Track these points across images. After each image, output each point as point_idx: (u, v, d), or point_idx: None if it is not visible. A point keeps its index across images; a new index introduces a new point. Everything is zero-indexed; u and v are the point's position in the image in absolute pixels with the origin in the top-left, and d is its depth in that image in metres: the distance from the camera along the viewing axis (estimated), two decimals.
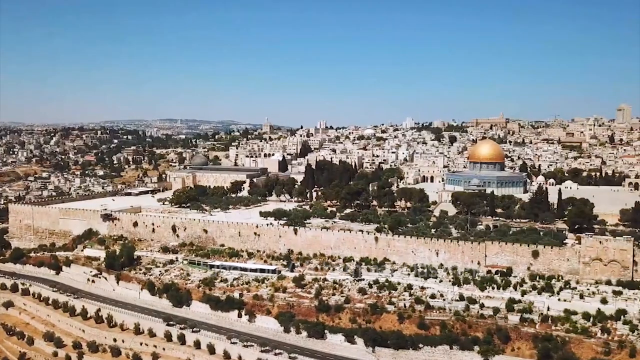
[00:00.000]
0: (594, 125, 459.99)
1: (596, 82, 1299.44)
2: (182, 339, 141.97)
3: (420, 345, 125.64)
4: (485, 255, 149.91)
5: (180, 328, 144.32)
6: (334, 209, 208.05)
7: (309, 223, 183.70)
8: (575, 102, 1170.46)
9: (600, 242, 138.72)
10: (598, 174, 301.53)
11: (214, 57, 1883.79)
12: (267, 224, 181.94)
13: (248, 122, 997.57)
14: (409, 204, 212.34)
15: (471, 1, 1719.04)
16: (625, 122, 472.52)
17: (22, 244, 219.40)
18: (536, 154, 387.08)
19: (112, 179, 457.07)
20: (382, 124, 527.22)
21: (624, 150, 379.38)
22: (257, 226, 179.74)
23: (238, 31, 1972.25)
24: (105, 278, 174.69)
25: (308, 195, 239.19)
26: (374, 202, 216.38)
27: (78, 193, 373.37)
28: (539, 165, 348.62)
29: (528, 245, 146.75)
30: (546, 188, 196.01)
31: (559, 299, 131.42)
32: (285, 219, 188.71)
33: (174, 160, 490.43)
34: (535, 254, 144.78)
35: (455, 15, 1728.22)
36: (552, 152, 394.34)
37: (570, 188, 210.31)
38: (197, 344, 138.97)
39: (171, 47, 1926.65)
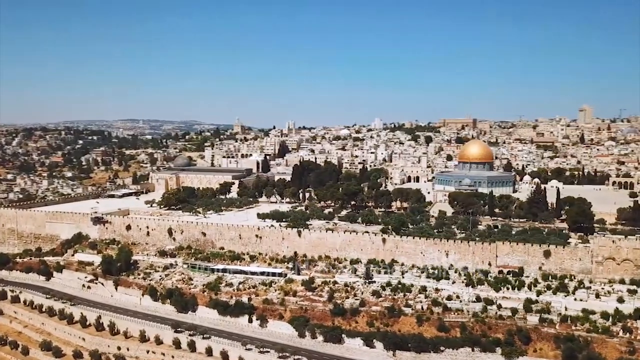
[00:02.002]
0: (564, 125, 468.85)
1: (557, 84, 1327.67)
2: (192, 346, 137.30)
3: (442, 348, 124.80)
4: (496, 256, 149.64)
5: (190, 334, 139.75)
6: (331, 210, 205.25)
7: (310, 225, 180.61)
8: (538, 103, 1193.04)
9: (613, 241, 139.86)
10: (579, 173, 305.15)
11: (174, 57, 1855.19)
12: (269, 226, 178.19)
13: (211, 122, 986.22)
14: (405, 205, 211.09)
15: (434, 4, 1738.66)
16: (587, 122, 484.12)
17: (5, 249, 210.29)
18: (512, 154, 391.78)
19: (81, 180, 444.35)
20: (355, 125, 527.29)
21: (597, 149, 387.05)
22: (258, 228, 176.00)
23: (200, 31, 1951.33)
24: (102, 284, 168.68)
25: (301, 196, 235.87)
26: (370, 203, 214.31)
27: (46, 195, 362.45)
28: (517, 165, 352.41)
29: (539, 245, 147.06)
30: (544, 188, 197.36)
31: (575, 299, 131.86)
32: (284, 220, 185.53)
33: (145, 161, 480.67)
34: (547, 254, 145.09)
35: (418, 18, 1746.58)
36: (527, 151, 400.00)
37: (557, 187, 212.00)
38: (209, 351, 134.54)
39: (131, 47, 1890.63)
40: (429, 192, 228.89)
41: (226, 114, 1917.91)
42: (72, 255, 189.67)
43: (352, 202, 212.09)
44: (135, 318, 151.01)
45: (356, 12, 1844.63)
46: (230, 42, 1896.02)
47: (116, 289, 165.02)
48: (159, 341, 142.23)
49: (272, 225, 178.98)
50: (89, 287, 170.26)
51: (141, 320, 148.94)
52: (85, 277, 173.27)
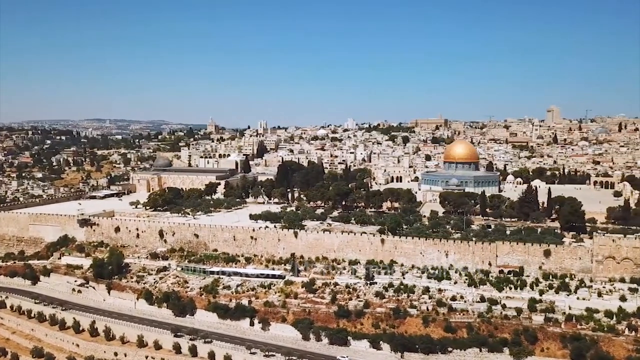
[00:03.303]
0: (537, 125, 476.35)
1: (524, 85, 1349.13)
2: (193, 351, 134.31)
3: (450, 349, 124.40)
4: (496, 256, 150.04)
5: (190, 339, 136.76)
6: (322, 210, 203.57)
7: (304, 225, 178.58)
8: (506, 104, 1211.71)
9: (613, 240, 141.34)
10: (560, 173, 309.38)
11: (140, 58, 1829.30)
12: (264, 227, 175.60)
13: (180, 122, 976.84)
14: (395, 205, 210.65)
15: (401, 7, 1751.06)
16: (556, 122, 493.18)
17: None
18: (489, 154, 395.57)
19: (52, 181, 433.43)
20: (330, 125, 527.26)
21: (572, 150, 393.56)
22: (253, 230, 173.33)
23: (168, 31, 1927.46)
24: (94, 288, 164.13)
25: (290, 196, 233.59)
26: (361, 203, 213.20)
27: (16, 197, 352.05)
28: (495, 165, 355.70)
29: (539, 245, 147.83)
30: (535, 187, 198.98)
31: (577, 298, 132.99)
32: (277, 221, 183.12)
33: (118, 162, 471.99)
34: (547, 253, 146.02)
35: (387, 20, 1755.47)
36: (503, 151, 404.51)
37: (548, 187, 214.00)
38: (212, 356, 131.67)
39: (96, 46, 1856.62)
40: (416, 192, 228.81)
41: (194, 114, 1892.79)
42: (59, 258, 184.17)
43: (343, 203, 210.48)
44: (131, 322, 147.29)
45: (324, 15, 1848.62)
46: (198, 42, 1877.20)
47: (109, 293, 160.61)
48: (158, 346, 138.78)
49: (267, 227, 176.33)
50: (79, 292, 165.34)
51: (138, 325, 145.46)
52: (75, 281, 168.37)
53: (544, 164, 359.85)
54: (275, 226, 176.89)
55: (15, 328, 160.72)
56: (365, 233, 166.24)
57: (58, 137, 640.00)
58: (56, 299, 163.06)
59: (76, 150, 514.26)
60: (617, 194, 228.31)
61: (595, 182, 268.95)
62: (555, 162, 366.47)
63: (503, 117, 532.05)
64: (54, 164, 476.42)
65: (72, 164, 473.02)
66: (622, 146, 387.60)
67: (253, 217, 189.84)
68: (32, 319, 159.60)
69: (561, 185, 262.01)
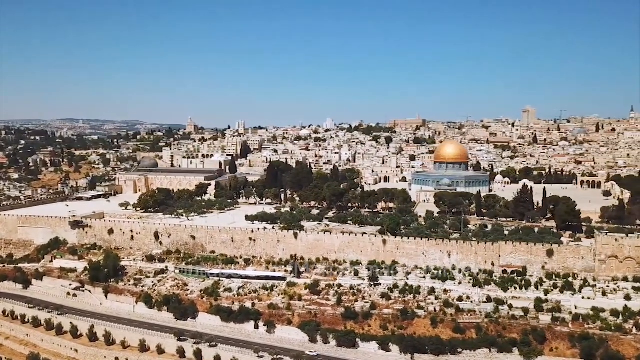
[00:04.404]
0: (519, 126, 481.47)
1: (500, 85, 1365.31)
2: (198, 355, 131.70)
3: (459, 350, 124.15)
4: (499, 255, 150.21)
5: (195, 343, 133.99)
6: (318, 211, 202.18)
7: (304, 226, 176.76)
8: (483, 104, 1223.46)
9: (616, 239, 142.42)
10: (546, 173, 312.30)
11: (112, 57, 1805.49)
12: (262, 228, 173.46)
13: (154, 122, 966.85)
14: (390, 205, 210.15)
15: (376, 8, 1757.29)
16: (534, 123, 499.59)
17: None
18: (472, 154, 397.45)
19: (29, 182, 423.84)
20: (311, 125, 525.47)
21: (554, 150, 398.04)
22: (252, 231, 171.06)
23: (140, 30, 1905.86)
24: (90, 291, 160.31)
25: (283, 197, 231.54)
26: (356, 204, 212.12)
27: None
28: (484, 166, 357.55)
29: (542, 245, 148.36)
30: (531, 188, 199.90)
31: (582, 297, 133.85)
32: (272, 222, 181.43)
33: (98, 162, 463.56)
34: (550, 253, 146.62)
35: (362, 20, 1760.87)
36: (485, 151, 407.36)
37: (544, 187, 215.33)
38: None
39: (67, 45, 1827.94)
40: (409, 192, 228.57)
41: (170, 114, 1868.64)
42: (51, 261, 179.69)
43: (339, 203, 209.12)
44: (131, 327, 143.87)
45: (298, 16, 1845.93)
46: (172, 43, 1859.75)
47: (106, 296, 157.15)
48: (160, 350, 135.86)
49: (265, 228, 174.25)
50: (74, 295, 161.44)
51: (139, 329, 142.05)
52: (70, 285, 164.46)
53: (528, 163, 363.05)
54: (273, 227, 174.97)
55: (8, 333, 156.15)
56: (366, 234, 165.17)
57: (32, 137, 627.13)
58: (51, 304, 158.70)
59: (53, 151, 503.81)
60: (607, 194, 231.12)
61: (582, 182, 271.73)
62: (538, 162, 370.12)
63: (480, 118, 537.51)
64: (31, 164, 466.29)
65: (49, 165, 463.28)
66: (602, 146, 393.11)
67: (249, 218, 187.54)
68: (26, 324, 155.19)
69: (548, 185, 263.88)
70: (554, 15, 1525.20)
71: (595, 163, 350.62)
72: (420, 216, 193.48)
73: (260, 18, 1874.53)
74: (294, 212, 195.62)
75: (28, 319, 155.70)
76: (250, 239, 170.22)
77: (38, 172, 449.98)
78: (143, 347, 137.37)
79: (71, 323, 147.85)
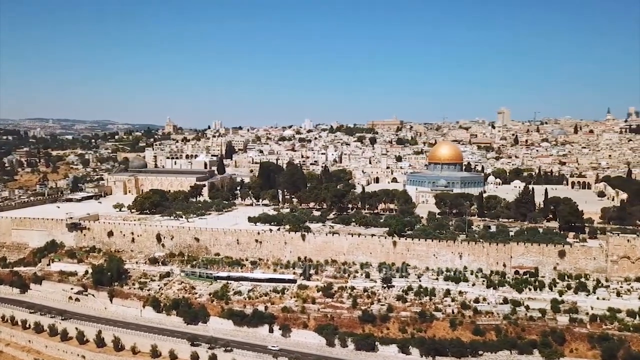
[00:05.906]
0: (500, 127, 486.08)
1: (474, 87, 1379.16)
2: None
3: (480, 352, 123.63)
4: (511, 257, 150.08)
5: (209, 347, 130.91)
6: (319, 212, 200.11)
7: (310, 228, 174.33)
8: (458, 105, 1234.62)
9: (628, 240, 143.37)
10: (534, 173, 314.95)
11: (83, 56, 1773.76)
12: (268, 230, 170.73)
13: (126, 122, 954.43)
14: (391, 206, 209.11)
15: (351, 7, 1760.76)
16: (513, 124, 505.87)
17: None
18: None
19: (5, 183, 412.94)
20: (291, 126, 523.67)
21: (537, 150, 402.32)
22: (258, 233, 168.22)
23: (112, 29, 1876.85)
24: (93, 295, 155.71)
25: (280, 198, 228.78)
26: (357, 205, 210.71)
27: None
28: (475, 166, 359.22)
29: (554, 245, 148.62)
30: (532, 189, 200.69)
31: (597, 298, 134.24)
32: (279, 224, 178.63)
33: (76, 163, 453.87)
34: (562, 254, 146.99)
35: (339, 20, 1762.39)
36: (470, 152, 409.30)
37: (545, 188, 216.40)
38: None
39: (34, 41, 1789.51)
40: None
41: (142, 114, 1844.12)
42: (48, 265, 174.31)
43: (339, 204, 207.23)
44: (140, 332, 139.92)
45: (274, 17, 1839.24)
46: (143, 42, 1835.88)
47: (111, 300, 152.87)
48: (173, 356, 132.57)
49: (271, 229, 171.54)
50: (77, 300, 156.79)
51: (149, 334, 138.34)
52: (72, 289, 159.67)
53: (512, 164, 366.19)
54: (279, 229, 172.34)
55: (9, 340, 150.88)
56: (375, 235, 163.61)
57: (4, 137, 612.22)
58: (53, 308, 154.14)
59: (29, 151, 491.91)
60: (601, 194, 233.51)
61: (572, 183, 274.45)
62: (523, 162, 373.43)
63: (455, 119, 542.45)
64: (6, 165, 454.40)
65: (25, 165, 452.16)
66: (584, 147, 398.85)
67: (252, 219, 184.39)
68: (27, 330, 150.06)
69: (539, 186, 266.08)
70: (527, 18, 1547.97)
71: (579, 164, 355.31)
72: (422, 217, 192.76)
73: (233, 19, 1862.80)
74: (295, 214, 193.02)
75: (29, 325, 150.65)
76: (257, 240, 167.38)
77: (14, 172, 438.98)
78: (155, 353, 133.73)
79: (77, 328, 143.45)
